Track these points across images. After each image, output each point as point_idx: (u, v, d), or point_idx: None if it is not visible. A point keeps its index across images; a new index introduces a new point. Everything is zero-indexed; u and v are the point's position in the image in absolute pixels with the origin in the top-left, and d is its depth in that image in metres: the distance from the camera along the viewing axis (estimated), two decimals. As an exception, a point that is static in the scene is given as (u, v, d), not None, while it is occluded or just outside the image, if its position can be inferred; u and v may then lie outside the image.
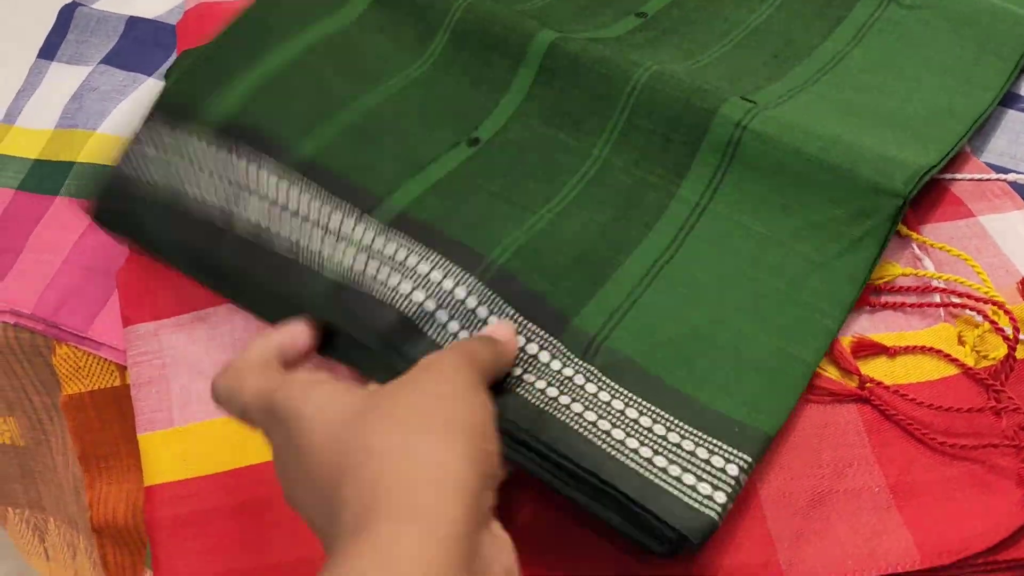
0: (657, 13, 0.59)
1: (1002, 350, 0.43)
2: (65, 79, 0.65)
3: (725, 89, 0.50)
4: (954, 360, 0.43)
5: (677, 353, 0.41)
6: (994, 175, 0.52)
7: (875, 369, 0.43)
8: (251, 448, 0.43)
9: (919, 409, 0.41)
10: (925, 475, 0.40)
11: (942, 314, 0.45)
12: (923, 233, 0.49)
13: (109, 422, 0.52)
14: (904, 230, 0.48)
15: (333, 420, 0.31)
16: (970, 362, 0.43)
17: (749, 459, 0.37)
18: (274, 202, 0.44)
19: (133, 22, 0.68)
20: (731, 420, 0.38)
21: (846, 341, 0.43)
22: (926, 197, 0.51)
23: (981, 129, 0.56)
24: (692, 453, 0.37)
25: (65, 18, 0.68)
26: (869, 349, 0.43)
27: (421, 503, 0.28)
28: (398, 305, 0.41)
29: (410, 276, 0.41)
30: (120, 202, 0.47)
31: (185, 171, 0.46)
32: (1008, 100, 0.58)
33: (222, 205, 0.45)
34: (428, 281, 0.41)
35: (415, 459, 0.29)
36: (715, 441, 0.38)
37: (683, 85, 0.49)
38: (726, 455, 0.37)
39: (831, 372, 0.43)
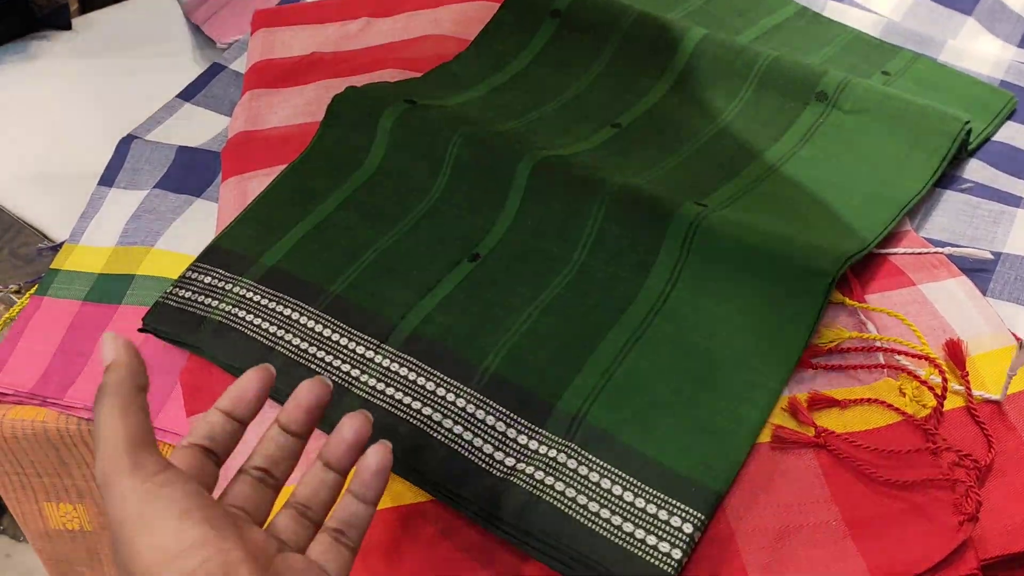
0: (630, 124, 0.68)
1: (933, 401, 0.50)
2: (123, 202, 0.71)
3: (681, 193, 0.59)
4: (896, 409, 0.50)
5: (643, 422, 0.48)
6: (932, 248, 0.59)
7: (829, 420, 0.50)
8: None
9: (868, 452, 0.48)
10: (874, 509, 0.46)
11: (885, 370, 0.52)
12: (871, 300, 0.56)
13: (174, 500, 0.58)
14: (848, 301, 0.55)
15: None
16: (910, 410, 0.50)
17: (703, 517, 0.45)
18: (311, 335, 0.55)
19: (182, 151, 0.75)
20: (688, 480, 0.46)
21: (803, 397, 0.50)
22: (871, 270, 0.58)
23: (922, 208, 0.64)
24: (655, 516, 0.45)
25: (123, 150, 0.76)
26: (823, 403, 0.50)
27: None
28: (412, 420, 0.50)
29: (420, 395, 0.51)
30: (176, 320, 0.57)
31: (237, 301, 0.57)
32: (948, 182, 0.66)
33: (271, 329, 0.55)
34: (435, 396, 0.51)
35: None
36: (674, 502, 0.45)
37: (644, 195, 0.57)
38: (683, 515, 0.45)
39: (792, 424, 0.50)
